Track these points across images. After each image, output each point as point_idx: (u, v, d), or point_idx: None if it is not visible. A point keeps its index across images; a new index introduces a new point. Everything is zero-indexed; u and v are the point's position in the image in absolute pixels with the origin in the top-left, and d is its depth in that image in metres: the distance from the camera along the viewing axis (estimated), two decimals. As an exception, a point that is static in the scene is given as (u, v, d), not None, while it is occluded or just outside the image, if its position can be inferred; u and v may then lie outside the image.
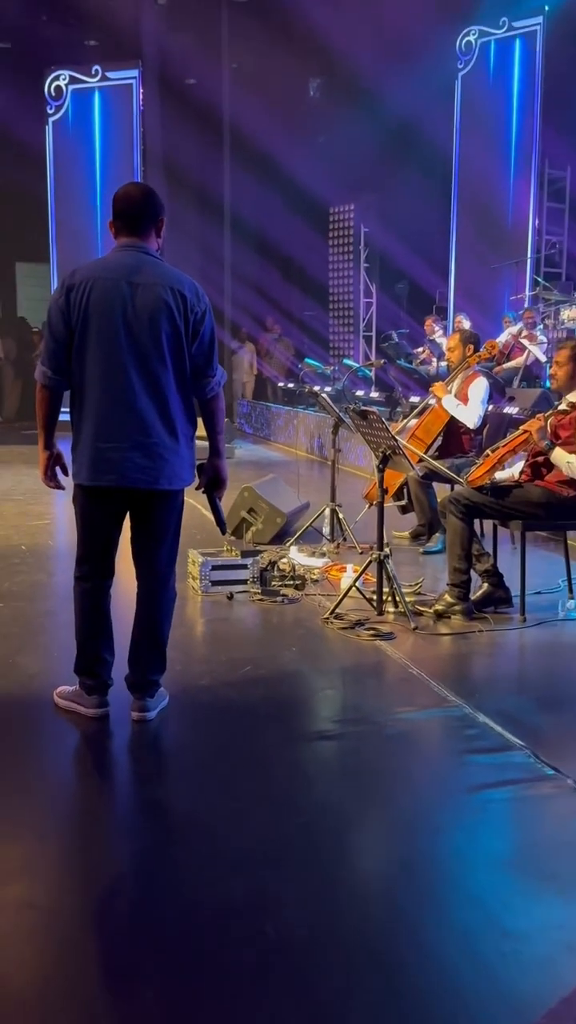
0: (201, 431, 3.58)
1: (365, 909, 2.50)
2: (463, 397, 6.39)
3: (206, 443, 3.63)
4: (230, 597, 5.34)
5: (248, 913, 2.44)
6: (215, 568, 5.43)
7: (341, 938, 2.35)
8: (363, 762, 3.39)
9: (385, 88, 14.71)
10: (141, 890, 2.58)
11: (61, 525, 7.49)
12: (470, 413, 6.34)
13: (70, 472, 3.56)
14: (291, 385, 15.69)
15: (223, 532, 3.99)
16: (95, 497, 3.50)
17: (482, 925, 2.39)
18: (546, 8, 12.78)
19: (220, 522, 3.81)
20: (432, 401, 6.64)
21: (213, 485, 3.65)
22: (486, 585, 5.15)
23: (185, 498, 3.65)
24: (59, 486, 3.64)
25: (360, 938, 2.35)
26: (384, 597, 5.03)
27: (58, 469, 3.62)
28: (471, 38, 13.96)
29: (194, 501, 3.84)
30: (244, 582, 5.44)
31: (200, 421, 3.62)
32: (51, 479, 3.63)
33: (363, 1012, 2.09)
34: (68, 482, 3.61)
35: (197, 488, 3.66)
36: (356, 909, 2.49)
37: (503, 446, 5.07)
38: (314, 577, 5.70)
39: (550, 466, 4.91)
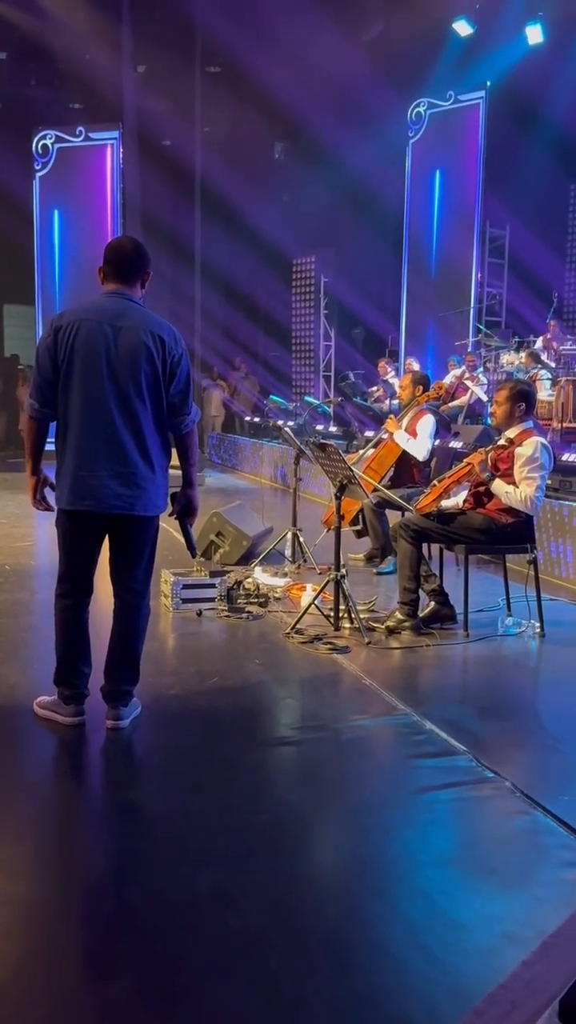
0: (175, 461, 3.59)
1: (321, 901, 2.49)
2: (412, 432, 6.44)
3: (179, 472, 3.63)
4: (199, 614, 5.32)
5: (213, 905, 2.42)
6: (185, 587, 5.41)
7: (298, 928, 2.33)
8: (320, 766, 3.38)
9: (344, 153, 14.93)
10: (115, 886, 2.55)
11: (42, 547, 7.41)
12: (419, 447, 6.39)
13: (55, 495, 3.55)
14: (257, 419, 15.72)
15: (193, 556, 3.98)
16: (75, 520, 3.49)
17: (428, 916, 2.39)
18: (488, 84, 13.04)
19: (191, 546, 3.81)
20: (385, 436, 6.69)
21: (185, 512, 3.66)
22: (433, 603, 5.17)
23: (163, 520, 3.65)
24: (49, 507, 3.61)
25: (315, 928, 2.34)
26: (340, 614, 5.04)
27: (47, 491, 3.59)
28: (420, 109, 14.19)
29: (167, 525, 3.83)
30: (212, 600, 5.42)
31: (175, 452, 3.63)
32: (40, 502, 3.61)
33: (317, 992, 2.08)
34: (55, 499, 3.59)
35: (170, 515, 3.66)
36: (312, 901, 2.48)
37: (448, 477, 5.11)
38: (276, 595, 5.69)
39: (490, 495, 4.95)
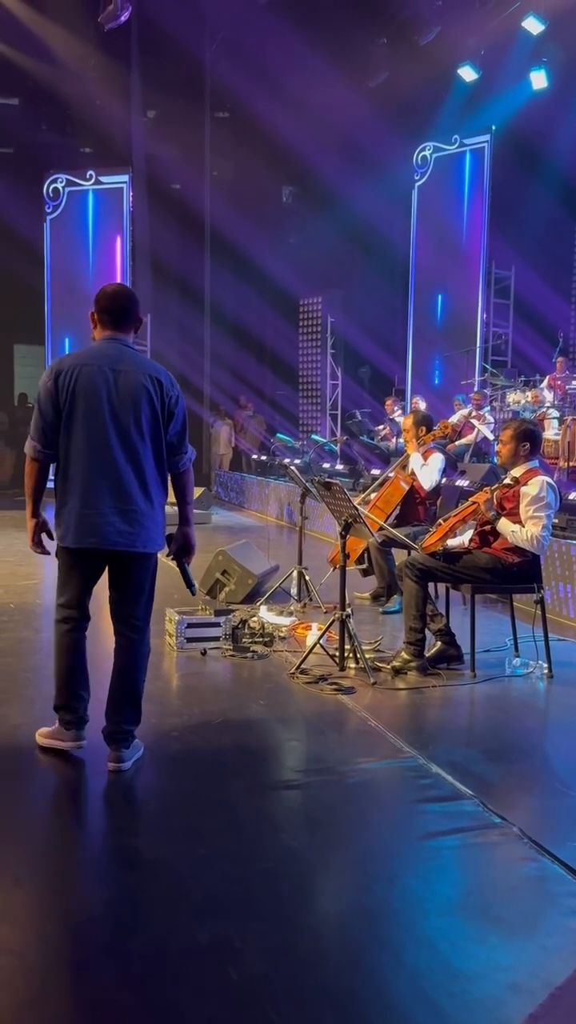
0: (171, 498, 3.63)
1: (323, 952, 2.43)
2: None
3: (174, 509, 3.65)
4: (203, 653, 5.28)
5: (213, 955, 2.36)
6: (190, 626, 5.37)
7: (300, 979, 2.27)
8: (325, 810, 3.32)
9: (350, 196, 15.13)
10: (113, 935, 2.49)
11: (48, 585, 7.40)
12: (428, 475, 6.50)
13: (55, 536, 3.61)
14: (263, 457, 15.75)
15: (193, 593, 3.97)
16: (78, 557, 3.56)
17: (433, 967, 2.33)
18: (493, 127, 13.22)
19: (189, 584, 3.81)
20: (391, 474, 6.70)
21: (182, 551, 3.71)
22: (439, 643, 5.12)
23: (161, 559, 3.66)
24: (45, 551, 3.68)
25: (318, 979, 2.28)
26: (346, 654, 4.99)
27: (43, 535, 3.64)
28: (426, 153, 14.39)
29: (170, 563, 3.82)
30: (217, 639, 5.38)
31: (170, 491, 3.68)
32: (37, 545, 3.66)
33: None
34: (52, 545, 3.63)
35: (167, 556, 3.69)
36: (315, 952, 2.42)
37: (454, 516, 5.08)
38: (282, 635, 5.65)
39: (497, 534, 4.93)
